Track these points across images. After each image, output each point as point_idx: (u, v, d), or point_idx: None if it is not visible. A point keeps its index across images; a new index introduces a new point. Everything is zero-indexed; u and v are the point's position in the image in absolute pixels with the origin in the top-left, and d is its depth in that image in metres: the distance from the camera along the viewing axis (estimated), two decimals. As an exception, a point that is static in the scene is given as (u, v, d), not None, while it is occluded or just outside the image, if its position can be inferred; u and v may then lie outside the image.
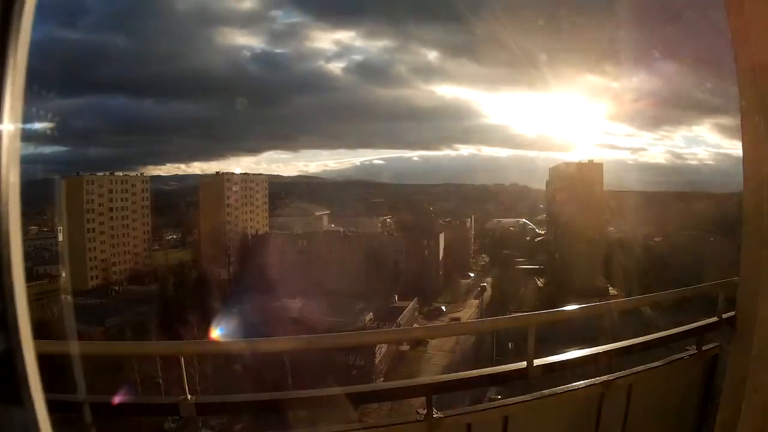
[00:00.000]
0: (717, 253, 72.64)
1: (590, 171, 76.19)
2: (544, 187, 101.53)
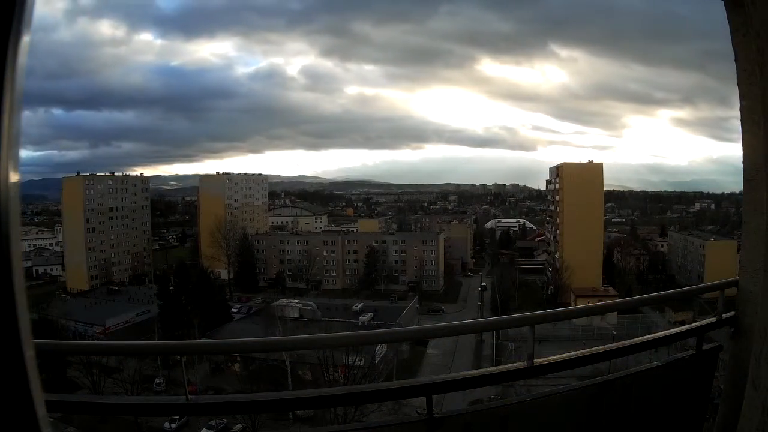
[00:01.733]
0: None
1: (590, 171, 76.31)
2: (541, 187, 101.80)
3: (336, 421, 26.35)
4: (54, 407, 2.47)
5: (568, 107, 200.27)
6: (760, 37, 2.18)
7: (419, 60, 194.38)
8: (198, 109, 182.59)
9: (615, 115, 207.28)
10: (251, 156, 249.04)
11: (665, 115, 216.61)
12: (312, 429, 37.71)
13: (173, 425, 32.07)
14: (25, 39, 0.80)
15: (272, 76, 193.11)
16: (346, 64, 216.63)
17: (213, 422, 33.52)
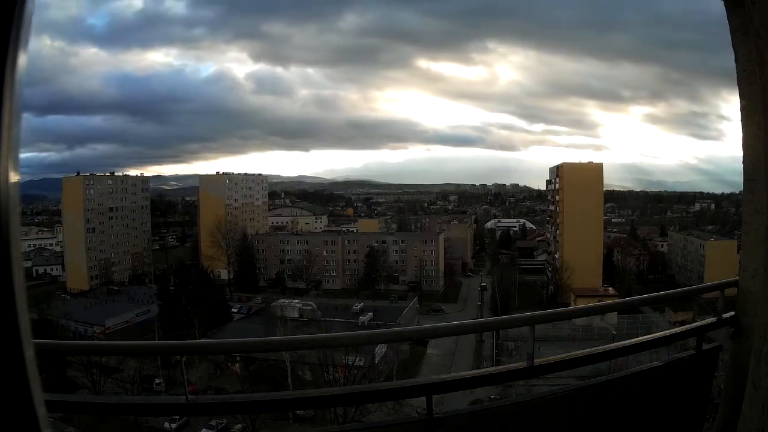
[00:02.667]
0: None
1: (590, 171, 76.33)
2: (539, 187, 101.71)
3: (336, 421, 26.35)
4: (54, 407, 2.47)
5: (531, 105, 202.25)
6: (760, 37, 2.18)
7: (355, 60, 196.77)
8: (166, 112, 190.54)
9: (584, 113, 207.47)
10: (248, 156, 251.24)
11: (638, 111, 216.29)
12: (312, 429, 37.72)
13: (173, 425, 32.07)
14: (25, 41, 0.81)
15: (221, 80, 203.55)
16: (288, 67, 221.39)
17: (213, 422, 33.51)
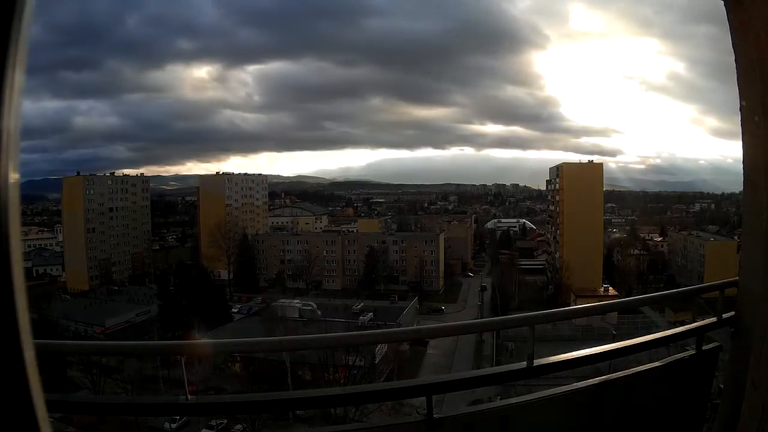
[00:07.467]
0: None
1: (590, 171, 76.31)
2: (540, 187, 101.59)
3: (336, 421, 26.35)
4: (54, 407, 2.47)
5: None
6: (760, 37, 2.18)
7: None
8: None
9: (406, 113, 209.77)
10: (249, 157, 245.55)
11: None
12: (312, 429, 37.69)
13: (173, 425, 32.06)
14: (25, 39, 0.81)
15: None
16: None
17: (213, 422, 33.50)
